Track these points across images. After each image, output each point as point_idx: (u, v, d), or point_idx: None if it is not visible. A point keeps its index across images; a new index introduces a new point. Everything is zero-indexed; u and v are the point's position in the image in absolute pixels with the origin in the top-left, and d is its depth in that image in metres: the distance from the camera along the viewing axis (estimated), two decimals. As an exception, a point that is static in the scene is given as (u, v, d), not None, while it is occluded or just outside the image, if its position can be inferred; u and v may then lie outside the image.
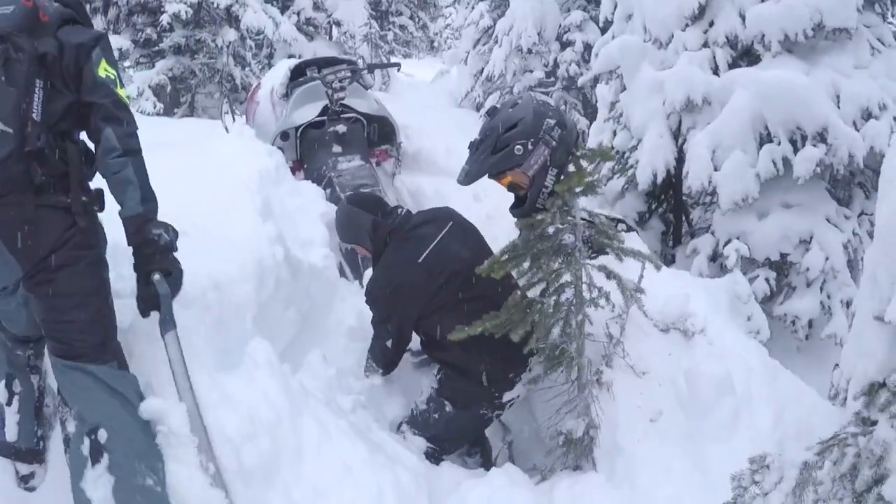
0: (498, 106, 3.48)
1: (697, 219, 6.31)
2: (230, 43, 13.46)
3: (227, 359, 3.16)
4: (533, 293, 3.30)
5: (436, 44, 26.33)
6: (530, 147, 3.30)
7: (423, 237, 3.76)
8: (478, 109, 11.41)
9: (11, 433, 3.07)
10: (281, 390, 2.96)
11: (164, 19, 12.88)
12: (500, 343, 3.24)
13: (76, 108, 2.70)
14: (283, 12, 15.52)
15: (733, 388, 3.47)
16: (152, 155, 4.85)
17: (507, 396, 3.82)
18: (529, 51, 10.04)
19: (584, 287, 3.21)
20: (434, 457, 3.85)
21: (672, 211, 6.58)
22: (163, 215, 3.52)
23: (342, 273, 5.42)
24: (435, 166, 6.49)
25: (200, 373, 2.91)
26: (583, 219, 3.13)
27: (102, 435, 2.63)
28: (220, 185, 4.50)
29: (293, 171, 6.07)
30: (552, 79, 10.44)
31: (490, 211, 5.10)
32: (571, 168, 3.20)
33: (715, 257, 5.58)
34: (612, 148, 5.93)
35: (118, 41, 13.42)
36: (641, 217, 6.38)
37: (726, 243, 5.36)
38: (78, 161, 2.70)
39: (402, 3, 21.61)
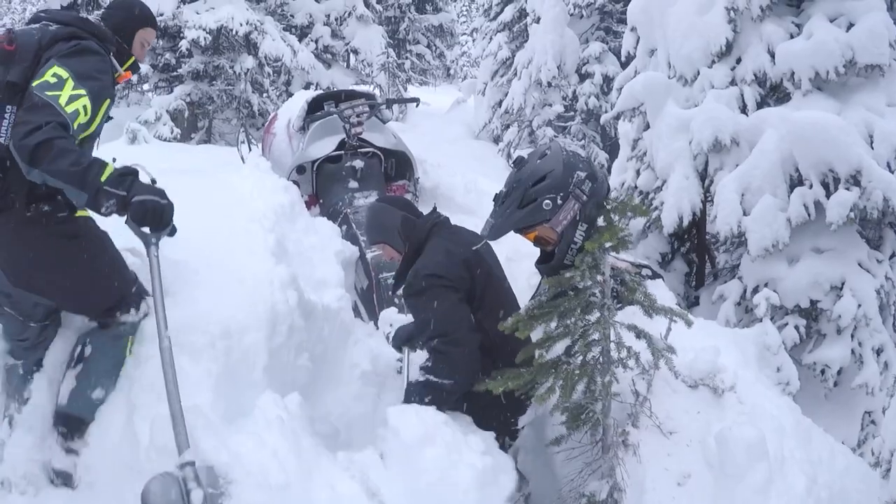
0: (525, 157, 3.29)
1: (724, 262, 6.13)
2: (248, 70, 13.49)
3: (236, 413, 3.01)
4: (553, 351, 3.13)
5: (452, 71, 26.33)
6: (559, 202, 3.12)
7: (471, 237, 3.59)
8: (495, 141, 11.33)
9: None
10: (292, 450, 2.78)
11: (184, 45, 12.90)
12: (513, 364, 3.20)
13: None
14: (300, 40, 15.55)
15: (767, 453, 3.28)
16: (166, 181, 4.81)
17: (521, 421, 3.68)
18: (549, 84, 9.93)
19: (613, 346, 3.04)
20: None
21: (695, 251, 6.42)
22: (176, 248, 3.53)
23: (357, 313, 5.27)
24: (453, 203, 6.34)
25: (207, 431, 2.76)
26: (612, 268, 2.97)
27: (87, 350, 3.09)
28: (233, 221, 4.38)
29: (308, 205, 5.93)
30: (571, 112, 10.33)
31: (509, 253, 4.92)
32: (601, 221, 3.05)
33: (742, 304, 5.40)
34: (636, 187, 5.76)
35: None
36: (664, 258, 6.23)
37: (755, 290, 5.18)
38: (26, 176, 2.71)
39: (419, 31, 21.62)
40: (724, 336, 4.26)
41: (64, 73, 2.69)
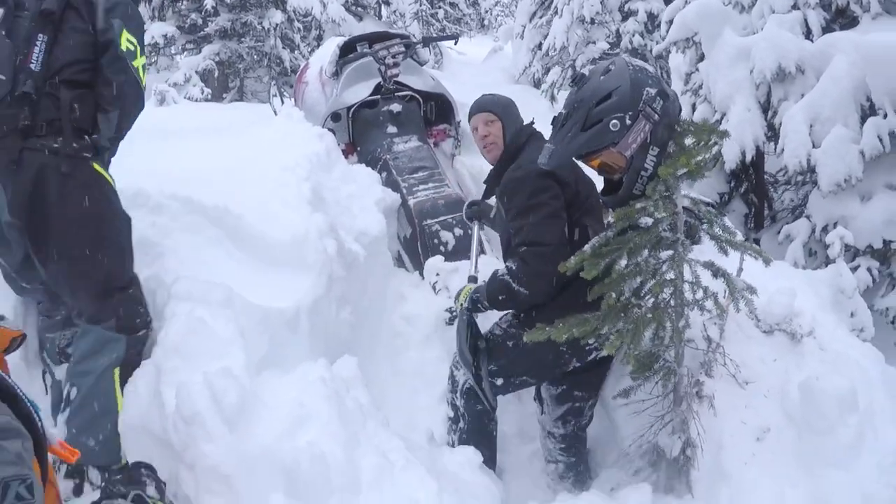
0: (586, 73, 2.88)
1: (788, 201, 5.75)
2: (277, 25, 13.18)
3: (274, 374, 2.75)
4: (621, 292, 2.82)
5: (486, 21, 25.77)
6: (628, 122, 2.70)
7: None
8: (536, 85, 10.90)
9: None
10: (334, 415, 2.52)
11: (209, 3, 12.61)
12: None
13: (89, 62, 2.86)
14: (330, -7, 15.18)
15: (857, 405, 2.96)
16: (196, 142, 4.60)
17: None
18: (592, 21, 9.45)
19: (687, 286, 2.73)
20: (485, 396, 3.40)
21: (754, 191, 6.05)
22: (205, 206, 3.55)
23: (401, 263, 5.02)
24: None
25: (240, 395, 2.51)
26: (684, 207, 2.65)
27: (72, 392, 2.88)
28: (266, 173, 4.14)
29: (346, 154, 5.65)
30: (616, 50, 9.85)
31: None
32: (671, 147, 2.70)
33: (808, 243, 5.04)
34: (692, 122, 5.37)
35: (163, 28, 13.24)
36: (722, 198, 5.88)
37: (824, 229, 4.81)
38: (67, 107, 2.80)
39: (452, -21, 21.04)
40: (798, 278, 3.94)
41: (134, 42, 2.87)
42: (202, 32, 13.56)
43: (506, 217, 3.33)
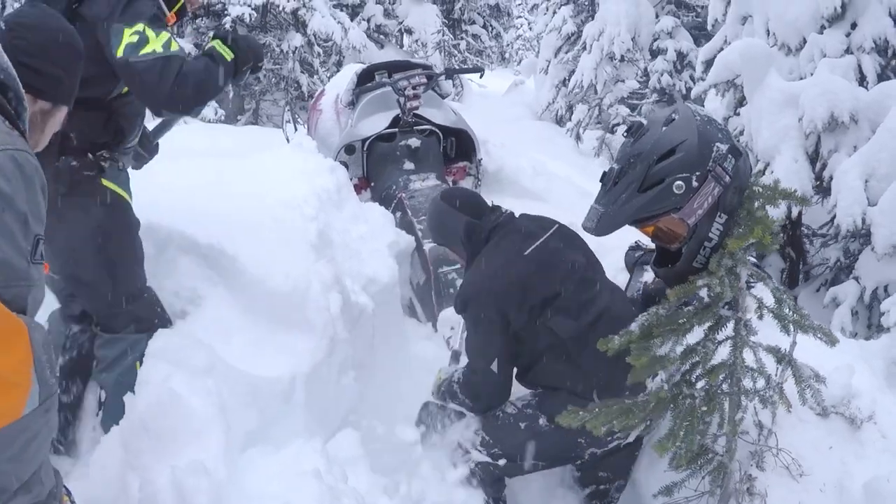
0: (644, 122, 2.49)
1: (833, 259, 5.37)
2: (296, 48, 12.95)
3: (258, 465, 2.37)
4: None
5: (507, 55, 25.62)
6: (695, 184, 2.29)
7: (530, 233, 3.07)
8: (560, 122, 10.59)
9: None
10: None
11: (227, 22, 12.38)
12: (612, 365, 2.57)
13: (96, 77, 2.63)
14: (352, 18, 14.95)
15: (933, 509, 2.57)
16: (201, 167, 4.28)
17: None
18: (622, 58, 9.12)
19: (749, 374, 2.35)
20: (486, 478, 3.03)
21: (791, 245, 5.67)
22: (198, 244, 3.31)
23: (413, 313, 4.65)
24: (519, 187, 5.67)
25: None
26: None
27: (102, 394, 2.88)
28: (270, 209, 3.79)
29: (358, 189, 5.33)
30: (645, 89, 9.53)
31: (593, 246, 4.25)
32: (741, 213, 2.31)
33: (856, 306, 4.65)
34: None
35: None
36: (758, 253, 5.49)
37: (874, 292, 4.42)
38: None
39: (475, 11, 20.85)
40: (851, 350, 3.55)
41: (140, 30, 2.65)
42: (219, 52, 13.36)
43: None
